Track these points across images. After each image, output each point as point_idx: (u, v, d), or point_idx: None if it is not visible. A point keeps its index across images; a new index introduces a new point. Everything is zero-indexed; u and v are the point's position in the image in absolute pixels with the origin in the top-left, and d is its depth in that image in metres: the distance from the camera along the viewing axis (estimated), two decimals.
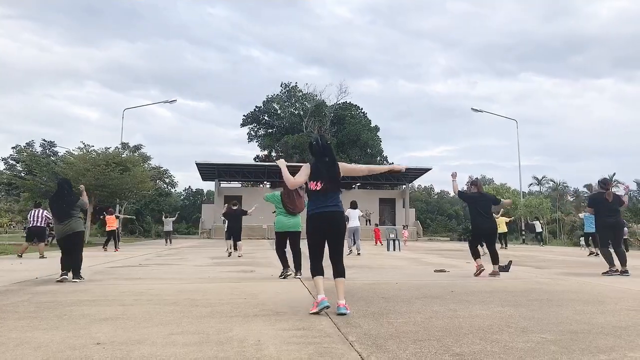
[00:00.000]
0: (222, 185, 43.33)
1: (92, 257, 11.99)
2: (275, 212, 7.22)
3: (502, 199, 8.87)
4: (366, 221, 36.28)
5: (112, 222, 16.74)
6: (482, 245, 7.92)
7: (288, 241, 7.12)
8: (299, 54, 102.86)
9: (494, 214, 8.46)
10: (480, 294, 5.33)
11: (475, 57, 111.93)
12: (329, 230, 4.23)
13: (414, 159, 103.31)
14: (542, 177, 56.65)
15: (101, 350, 2.84)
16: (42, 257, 11.84)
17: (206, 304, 4.55)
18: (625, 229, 19.25)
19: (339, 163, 4.34)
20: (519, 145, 35.83)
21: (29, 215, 13.32)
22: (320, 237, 4.24)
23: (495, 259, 7.61)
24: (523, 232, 33.54)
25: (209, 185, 62.32)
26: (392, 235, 17.77)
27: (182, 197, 70.15)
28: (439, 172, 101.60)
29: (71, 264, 6.71)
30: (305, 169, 4.31)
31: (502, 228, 19.49)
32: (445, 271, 8.31)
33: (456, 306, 4.48)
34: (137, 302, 4.68)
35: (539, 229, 25.77)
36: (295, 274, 6.97)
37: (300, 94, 58.99)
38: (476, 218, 7.66)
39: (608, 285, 6.40)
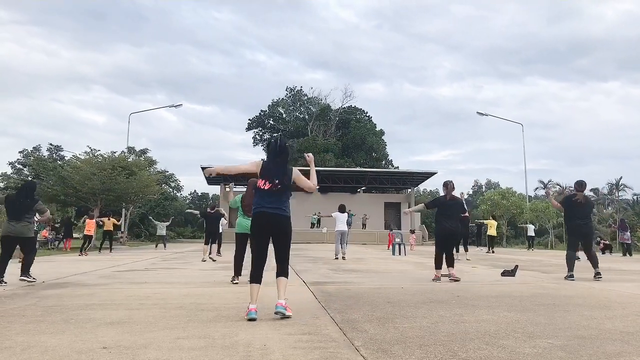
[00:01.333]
0: (227, 189, 43.41)
1: (97, 262, 12.05)
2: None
3: (466, 213, 8.67)
4: (363, 225, 36.03)
5: (91, 227, 16.58)
6: (457, 251, 7.79)
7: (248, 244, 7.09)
8: (304, 57, 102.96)
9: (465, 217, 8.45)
10: (486, 299, 5.31)
11: (480, 60, 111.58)
12: (272, 233, 4.16)
13: (419, 162, 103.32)
14: (549, 181, 56.38)
15: (107, 354, 2.85)
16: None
17: (212, 308, 4.56)
18: (628, 233, 19.17)
19: (293, 168, 4.29)
20: (524, 149, 35.70)
21: None
22: (263, 239, 4.17)
23: (451, 261, 7.40)
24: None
25: (214, 190, 62.43)
26: (397, 240, 17.74)
27: (187, 201, 70.30)
28: (444, 176, 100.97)
29: (23, 263, 6.82)
30: (255, 163, 4.30)
31: (491, 232, 19.37)
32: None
33: (462, 311, 4.47)
34: (143, 306, 4.69)
35: (531, 232, 25.49)
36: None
37: (306, 98, 59.15)
38: (441, 221, 7.44)
39: (615, 290, 6.35)
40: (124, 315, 4.17)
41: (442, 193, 7.79)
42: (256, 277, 4.12)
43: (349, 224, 13.95)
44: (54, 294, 5.70)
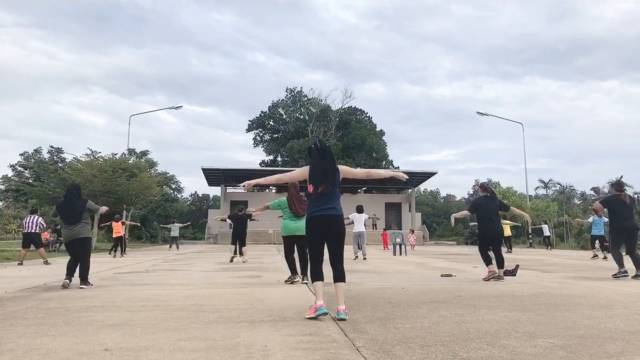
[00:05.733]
0: (228, 190, 43.42)
1: (99, 263, 12.04)
2: (281, 216, 7.24)
3: (512, 207, 8.60)
4: (373, 226, 36.15)
5: (119, 229, 16.87)
6: (489, 250, 7.88)
7: (295, 245, 7.14)
8: (304, 58, 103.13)
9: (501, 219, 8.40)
10: (487, 299, 5.31)
11: (480, 60, 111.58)
12: (327, 233, 4.23)
13: (419, 162, 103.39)
14: (549, 180, 56.37)
15: (109, 356, 2.85)
16: (46, 262, 11.91)
17: (213, 310, 4.56)
18: None
19: (339, 166, 4.38)
20: (524, 148, 35.71)
21: (24, 222, 13.43)
22: (319, 240, 4.24)
23: (500, 263, 7.57)
24: (530, 236, 33.36)
25: (215, 191, 62.43)
26: (398, 240, 17.73)
27: (188, 203, 70.32)
28: (444, 176, 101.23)
29: (79, 270, 6.71)
30: (303, 170, 4.41)
31: (506, 232, 19.50)
32: (451, 275, 8.29)
33: (463, 311, 4.47)
34: (145, 308, 4.70)
35: (547, 232, 25.62)
36: (303, 279, 6.96)
37: (306, 98, 59.15)
38: (484, 222, 7.64)
39: (616, 289, 6.35)
40: (126, 317, 4.17)
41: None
42: (318, 275, 4.18)
43: (365, 225, 14.11)
44: (55, 296, 5.71)
